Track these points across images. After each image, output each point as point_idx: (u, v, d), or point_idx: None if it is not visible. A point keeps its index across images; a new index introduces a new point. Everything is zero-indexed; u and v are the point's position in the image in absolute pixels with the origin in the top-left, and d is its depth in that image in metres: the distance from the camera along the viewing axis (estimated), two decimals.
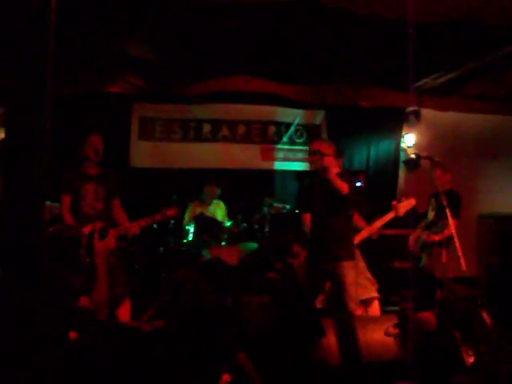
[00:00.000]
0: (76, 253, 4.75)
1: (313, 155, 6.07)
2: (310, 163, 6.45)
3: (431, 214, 7.39)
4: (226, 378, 3.89)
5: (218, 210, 9.08)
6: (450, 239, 6.77)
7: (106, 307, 4.58)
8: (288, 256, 7.79)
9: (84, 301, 4.65)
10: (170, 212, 6.71)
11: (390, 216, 6.59)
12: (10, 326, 2.69)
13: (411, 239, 7.53)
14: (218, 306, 4.96)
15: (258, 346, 4.01)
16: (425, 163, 7.06)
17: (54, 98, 3.05)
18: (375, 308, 6.53)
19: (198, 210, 8.87)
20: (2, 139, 8.36)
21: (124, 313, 6.09)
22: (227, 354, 3.79)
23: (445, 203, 6.64)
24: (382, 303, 6.73)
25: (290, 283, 5.94)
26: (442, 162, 7.07)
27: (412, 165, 10.16)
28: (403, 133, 10.40)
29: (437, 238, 7.09)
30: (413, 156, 10.00)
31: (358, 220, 6.69)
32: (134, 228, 6.45)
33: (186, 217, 8.94)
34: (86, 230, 6.14)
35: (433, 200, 7.37)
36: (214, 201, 9.12)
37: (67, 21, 4.24)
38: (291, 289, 4.93)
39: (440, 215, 7.00)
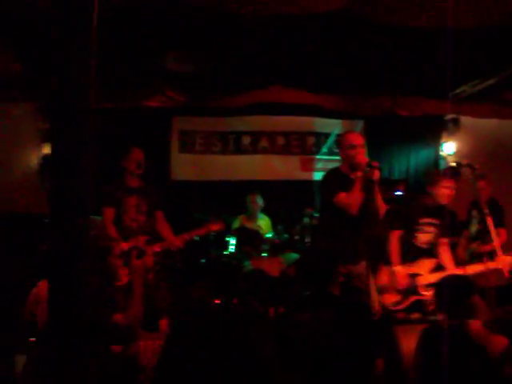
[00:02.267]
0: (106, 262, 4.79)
1: (361, 148, 5.79)
2: (351, 156, 5.71)
3: (475, 225, 7.32)
4: None
5: (264, 225, 9.08)
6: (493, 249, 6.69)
7: (140, 324, 4.62)
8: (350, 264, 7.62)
9: (118, 317, 4.71)
10: (215, 227, 6.76)
11: None
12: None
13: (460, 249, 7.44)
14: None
15: (313, 367, 3.99)
16: (465, 171, 6.96)
17: (96, 113, 3.12)
18: None
19: (246, 224, 8.88)
20: (47, 154, 8.57)
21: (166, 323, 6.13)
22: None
23: (487, 212, 6.53)
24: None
25: (354, 298, 5.72)
26: (483, 170, 7.00)
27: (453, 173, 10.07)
28: (443, 141, 10.33)
29: (488, 247, 6.98)
30: (453, 164, 9.92)
31: None
32: (178, 241, 6.52)
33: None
34: (125, 246, 6.23)
35: (476, 211, 7.29)
36: (261, 216, 9.13)
37: (107, 37, 4.32)
38: (357, 304, 4.85)
39: (486, 225, 6.83)
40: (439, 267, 6.14)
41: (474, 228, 7.28)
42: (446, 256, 6.27)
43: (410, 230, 6.23)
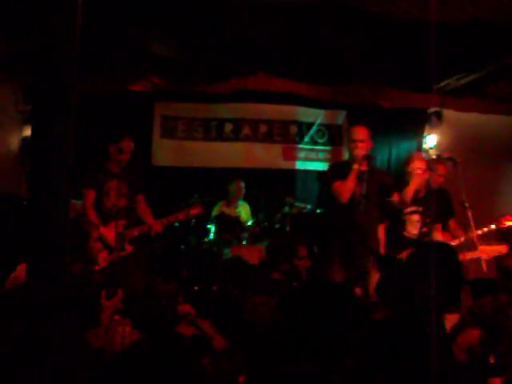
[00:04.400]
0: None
1: (361, 142, 6.09)
2: (351, 149, 6.13)
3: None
4: (241, 379, 3.90)
5: (244, 212, 9.10)
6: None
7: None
8: (295, 258, 7.75)
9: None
10: (194, 211, 6.75)
11: None
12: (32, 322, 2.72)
13: None
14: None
15: (262, 349, 4.01)
16: (447, 164, 7.01)
17: (78, 96, 3.10)
18: None
19: (226, 210, 8.91)
20: (27, 136, 8.50)
21: None
22: None
23: (467, 206, 6.60)
24: None
25: (296, 286, 5.83)
26: (464, 163, 7.02)
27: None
28: (425, 134, 10.36)
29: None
30: (434, 157, 9.96)
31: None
32: (157, 226, 6.51)
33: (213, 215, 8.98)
34: (105, 230, 6.22)
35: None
36: (241, 202, 9.16)
37: (91, 21, 4.28)
38: (297, 293, 4.89)
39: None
40: None
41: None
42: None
43: (398, 221, 6.57)
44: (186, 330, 4.79)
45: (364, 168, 5.96)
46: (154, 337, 3.74)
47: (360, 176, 5.91)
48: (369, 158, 6.06)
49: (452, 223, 7.12)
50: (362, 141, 6.06)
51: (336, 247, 6.12)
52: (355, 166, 5.90)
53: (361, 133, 6.15)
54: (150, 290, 4.02)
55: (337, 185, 5.97)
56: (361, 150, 5.99)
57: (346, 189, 5.88)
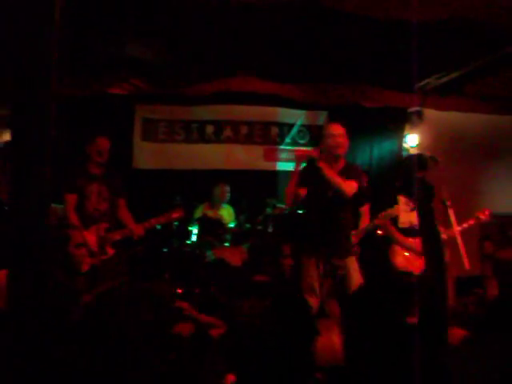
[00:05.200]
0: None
1: (342, 138, 6.04)
2: (334, 147, 5.99)
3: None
4: (231, 377, 3.91)
5: (226, 214, 9.10)
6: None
7: None
8: (280, 257, 7.78)
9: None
10: (176, 214, 6.76)
11: None
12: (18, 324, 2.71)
13: None
14: None
15: (255, 351, 4.03)
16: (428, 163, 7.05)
17: (58, 100, 3.07)
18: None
19: (209, 213, 8.91)
20: (6, 141, 8.44)
21: None
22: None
23: (449, 205, 6.68)
24: None
25: (284, 287, 5.86)
26: (445, 162, 7.06)
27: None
28: (405, 133, 10.40)
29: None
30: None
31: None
32: (139, 229, 6.50)
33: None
34: (87, 234, 6.21)
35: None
36: (224, 205, 9.16)
37: (71, 23, 4.26)
38: (286, 293, 4.93)
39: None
40: None
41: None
42: None
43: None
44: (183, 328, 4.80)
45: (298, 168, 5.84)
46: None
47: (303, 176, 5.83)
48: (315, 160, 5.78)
49: None
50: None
51: (305, 247, 6.06)
52: (296, 168, 5.81)
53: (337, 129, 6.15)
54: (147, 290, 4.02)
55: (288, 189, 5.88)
56: (299, 151, 5.92)
57: (287, 194, 5.84)
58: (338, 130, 6.07)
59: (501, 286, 7.70)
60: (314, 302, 5.71)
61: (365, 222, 6.94)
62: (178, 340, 3.97)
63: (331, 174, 5.73)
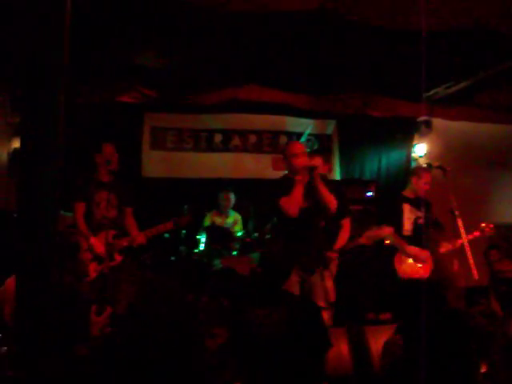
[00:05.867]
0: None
1: (302, 155, 5.98)
2: (293, 163, 5.95)
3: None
4: None
5: (235, 223, 9.09)
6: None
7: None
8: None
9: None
10: (182, 221, 6.74)
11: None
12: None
13: None
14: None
15: (269, 361, 4.02)
16: (436, 173, 7.04)
17: (68, 108, 3.09)
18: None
19: (217, 220, 8.91)
20: (16, 148, 8.47)
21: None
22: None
23: (457, 214, 6.70)
24: None
25: (301, 296, 5.84)
26: (453, 172, 7.05)
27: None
28: (414, 142, 10.39)
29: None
30: (424, 166, 9.97)
31: None
32: (141, 237, 6.51)
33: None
34: (94, 241, 6.22)
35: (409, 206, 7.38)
36: (232, 213, 9.15)
37: (81, 31, 4.28)
38: (303, 302, 4.91)
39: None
40: None
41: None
42: None
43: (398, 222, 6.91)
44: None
45: (306, 180, 5.85)
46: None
47: (306, 188, 5.86)
48: (315, 169, 5.84)
49: (436, 231, 7.18)
50: (303, 154, 6.01)
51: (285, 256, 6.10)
52: (299, 178, 5.78)
53: (299, 147, 6.15)
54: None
55: (283, 200, 5.84)
56: (301, 161, 5.89)
57: (294, 202, 5.79)
58: (299, 149, 6.09)
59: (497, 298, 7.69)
60: None
61: (344, 235, 6.89)
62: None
63: (325, 188, 5.83)
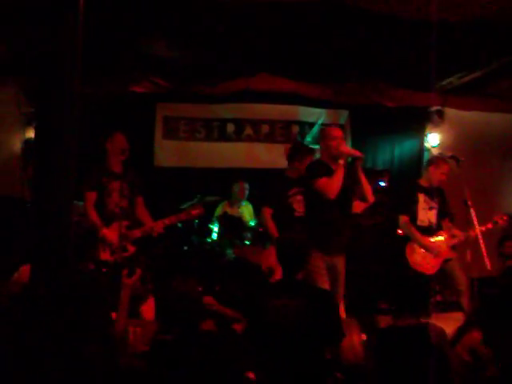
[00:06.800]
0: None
1: (341, 139, 6.11)
2: (332, 148, 6.05)
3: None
4: (251, 375, 3.92)
5: (247, 212, 9.10)
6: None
7: (125, 337, 4.60)
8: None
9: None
10: (195, 211, 6.76)
11: None
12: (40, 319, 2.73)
13: None
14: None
15: (283, 348, 4.04)
16: (449, 163, 7.03)
17: (81, 98, 3.10)
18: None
19: (229, 211, 8.91)
20: (30, 138, 8.51)
21: (147, 310, 6.11)
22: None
23: (471, 205, 6.69)
24: None
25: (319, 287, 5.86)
26: (466, 162, 7.03)
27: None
28: (427, 132, 10.36)
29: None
30: (438, 155, 9.95)
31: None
32: (159, 226, 6.53)
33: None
34: (107, 232, 6.25)
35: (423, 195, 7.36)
36: (243, 203, 9.16)
37: (93, 22, 4.28)
38: (319, 291, 4.93)
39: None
40: None
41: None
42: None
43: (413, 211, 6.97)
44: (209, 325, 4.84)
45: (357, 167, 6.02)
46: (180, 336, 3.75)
47: (349, 173, 5.96)
48: (359, 159, 6.04)
49: (446, 223, 7.16)
50: (342, 138, 6.16)
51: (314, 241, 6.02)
52: (341, 162, 5.85)
53: (339, 131, 6.27)
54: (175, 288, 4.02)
55: (323, 181, 5.88)
56: (344, 147, 6.06)
57: (334, 184, 5.81)
58: (339, 133, 6.21)
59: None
60: None
61: None
62: (206, 336, 3.98)
63: (365, 179, 5.97)
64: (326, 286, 5.81)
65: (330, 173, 5.92)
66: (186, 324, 3.78)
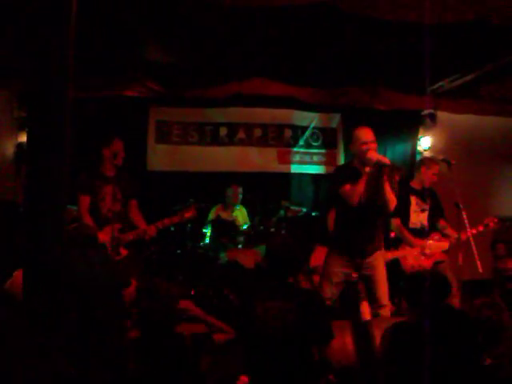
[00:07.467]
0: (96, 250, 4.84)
1: (372, 143, 5.86)
2: (362, 151, 5.81)
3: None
4: (244, 379, 3.92)
5: (240, 216, 9.13)
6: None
7: None
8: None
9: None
10: (188, 214, 6.77)
11: None
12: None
13: None
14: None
15: (274, 351, 4.04)
16: (441, 166, 7.06)
17: (73, 102, 3.10)
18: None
19: (223, 214, 8.93)
20: (22, 143, 8.50)
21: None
22: None
23: (462, 207, 6.71)
24: None
25: (309, 289, 5.88)
26: (458, 165, 7.05)
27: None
28: (419, 135, 10.39)
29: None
30: (430, 156, 9.98)
31: None
32: (151, 230, 6.54)
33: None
34: (101, 236, 6.24)
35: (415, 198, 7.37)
36: (237, 206, 9.19)
37: (86, 26, 4.29)
38: (312, 294, 4.94)
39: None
40: None
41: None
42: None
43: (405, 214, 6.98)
44: (186, 327, 4.84)
45: (382, 174, 5.74)
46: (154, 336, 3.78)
47: (373, 180, 5.74)
48: (387, 167, 5.71)
49: (442, 222, 7.19)
50: (373, 142, 5.87)
51: (337, 247, 6.07)
52: (367, 169, 5.69)
53: (370, 133, 5.97)
54: (153, 289, 4.05)
55: (347, 188, 5.74)
56: (372, 152, 5.74)
57: (356, 192, 5.66)
58: (369, 136, 5.94)
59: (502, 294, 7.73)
60: (327, 289, 5.90)
61: None
62: (180, 340, 4.01)
63: (389, 187, 5.76)
64: (327, 288, 5.88)
65: (357, 178, 5.74)
66: (159, 326, 3.82)
